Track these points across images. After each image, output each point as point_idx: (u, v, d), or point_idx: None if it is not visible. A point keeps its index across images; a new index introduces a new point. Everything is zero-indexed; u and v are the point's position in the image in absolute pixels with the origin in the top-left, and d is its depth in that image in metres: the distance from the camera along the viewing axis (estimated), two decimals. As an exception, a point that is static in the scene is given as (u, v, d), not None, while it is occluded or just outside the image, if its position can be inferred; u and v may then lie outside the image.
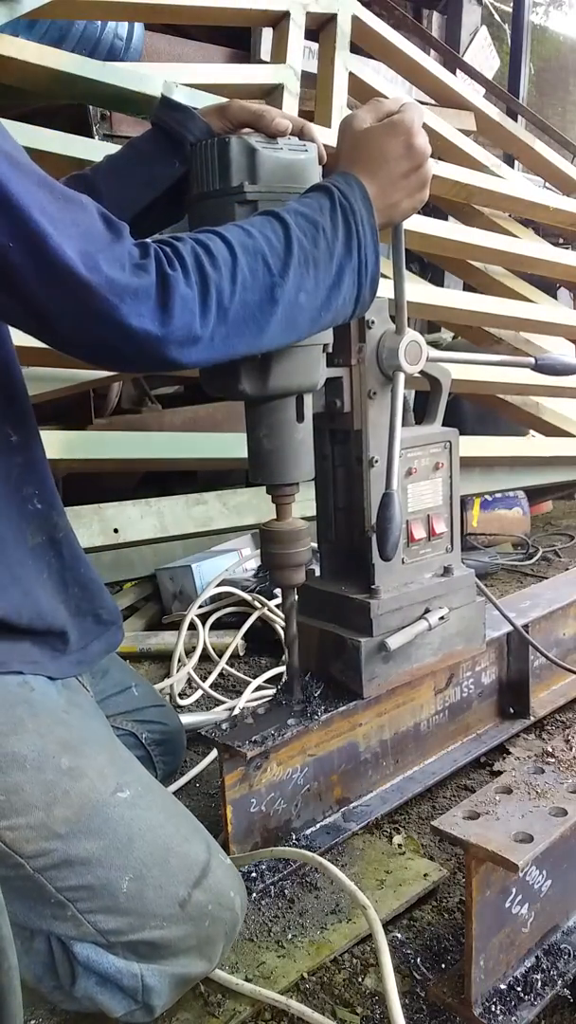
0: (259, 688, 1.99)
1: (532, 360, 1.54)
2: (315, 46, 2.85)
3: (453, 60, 4.25)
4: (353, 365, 1.35)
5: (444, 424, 1.53)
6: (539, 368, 1.54)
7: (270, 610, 2.31)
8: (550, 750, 1.23)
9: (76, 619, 1.22)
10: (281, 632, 2.18)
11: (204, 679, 2.11)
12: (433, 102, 3.48)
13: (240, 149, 1.14)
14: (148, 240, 0.95)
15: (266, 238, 1.01)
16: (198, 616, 2.30)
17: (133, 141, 1.23)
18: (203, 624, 2.29)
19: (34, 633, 1.13)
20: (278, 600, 2.25)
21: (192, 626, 2.26)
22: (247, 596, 2.36)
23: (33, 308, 0.91)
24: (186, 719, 1.68)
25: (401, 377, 1.34)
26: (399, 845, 1.46)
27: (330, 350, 1.27)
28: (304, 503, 1.38)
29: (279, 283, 1.00)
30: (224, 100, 1.22)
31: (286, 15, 2.65)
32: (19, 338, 1.90)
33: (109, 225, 0.93)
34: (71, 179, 1.23)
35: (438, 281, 4.09)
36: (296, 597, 1.37)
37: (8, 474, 1.12)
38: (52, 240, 0.86)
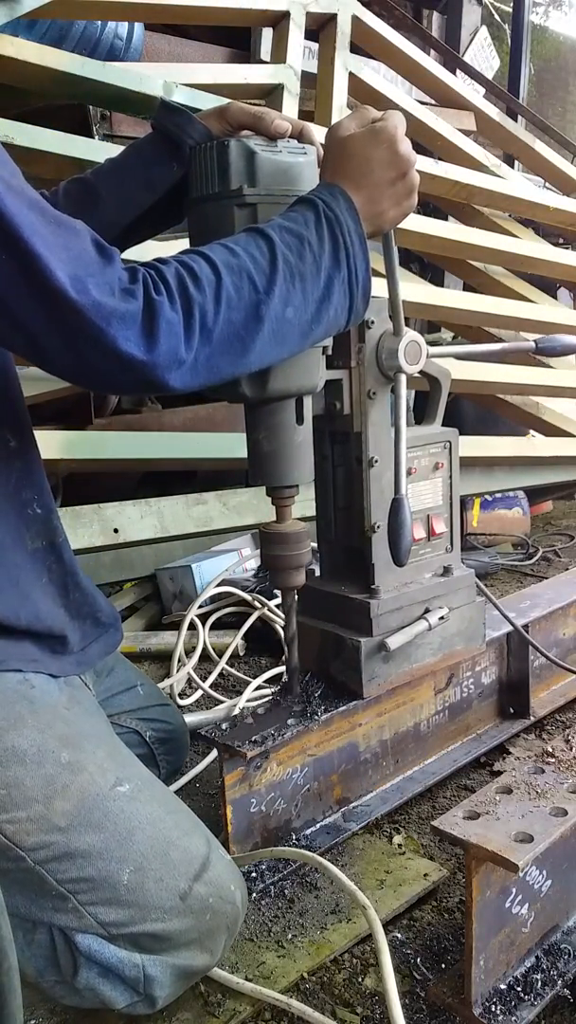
0: (259, 688, 1.99)
1: (532, 344, 1.54)
2: (315, 46, 2.85)
3: (453, 60, 4.25)
4: (353, 367, 1.35)
5: (444, 424, 1.53)
6: (540, 351, 1.54)
7: (270, 610, 2.31)
8: (550, 750, 1.23)
9: (76, 622, 1.22)
10: (281, 632, 2.18)
11: (204, 679, 2.11)
12: (433, 102, 3.48)
13: (239, 152, 1.14)
14: (136, 264, 0.95)
15: (251, 255, 1.00)
16: (198, 616, 2.30)
17: (133, 144, 1.24)
18: (203, 624, 2.29)
19: (33, 634, 1.14)
20: (278, 600, 2.25)
21: (192, 626, 2.26)
22: (247, 596, 2.36)
23: (23, 330, 0.92)
24: (187, 719, 1.68)
25: (403, 379, 1.34)
26: (399, 845, 1.46)
27: (329, 352, 1.27)
28: (304, 503, 1.38)
29: (264, 300, 0.99)
30: (223, 103, 1.21)
31: (286, 15, 2.65)
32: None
33: (100, 250, 0.93)
34: (73, 182, 1.24)
35: (438, 281, 4.09)
36: (296, 598, 1.37)
37: (7, 479, 1.13)
38: (43, 262, 0.87)
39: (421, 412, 1.54)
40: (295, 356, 1.17)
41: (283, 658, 1.65)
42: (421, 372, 1.40)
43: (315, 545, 1.54)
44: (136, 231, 1.26)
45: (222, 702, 2.00)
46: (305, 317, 1.04)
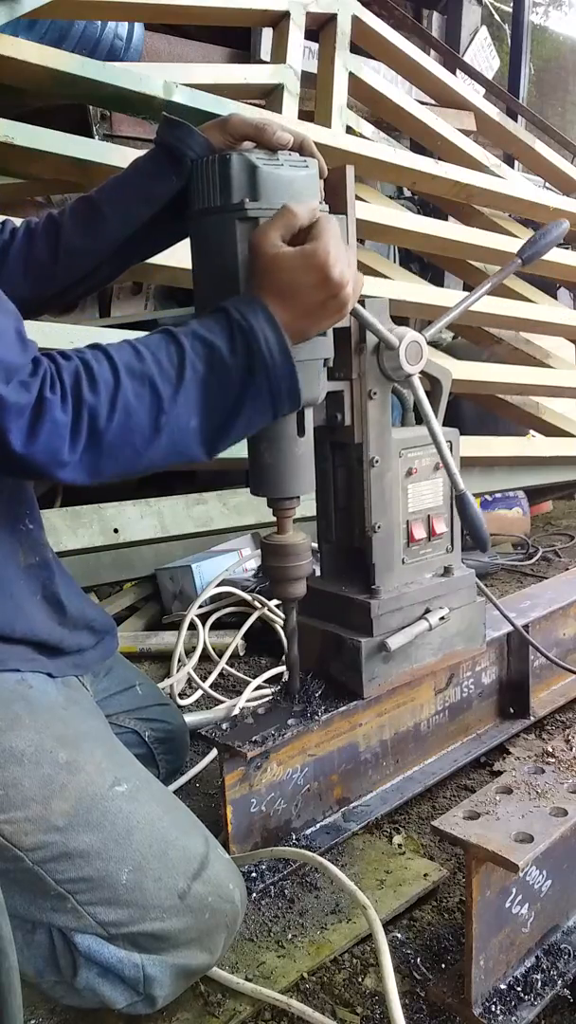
0: (259, 688, 2.00)
1: (518, 261, 1.49)
2: (315, 46, 2.85)
3: (453, 60, 4.25)
4: (354, 379, 1.35)
5: (444, 424, 1.53)
6: (527, 260, 1.48)
7: (270, 610, 2.31)
8: (550, 750, 1.23)
9: (72, 633, 1.23)
10: (281, 632, 2.19)
11: (204, 679, 2.11)
12: (433, 102, 3.48)
13: (241, 166, 1.13)
14: (42, 357, 0.95)
15: (157, 362, 0.99)
16: (198, 616, 2.30)
17: (135, 159, 1.23)
18: (203, 624, 2.29)
19: (29, 642, 1.15)
20: (278, 600, 2.25)
21: (192, 626, 2.26)
22: (247, 596, 2.36)
23: None
24: (186, 718, 1.68)
25: (416, 380, 1.35)
26: (399, 845, 1.46)
27: (331, 364, 1.27)
28: (305, 502, 1.38)
29: (165, 410, 0.97)
30: (225, 111, 1.21)
31: (286, 15, 2.65)
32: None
33: (19, 337, 0.93)
34: (79, 200, 1.24)
35: (438, 281, 4.09)
36: (296, 611, 1.37)
37: None
38: None
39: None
40: (297, 368, 1.16)
41: (283, 658, 1.65)
42: (422, 372, 1.40)
43: (315, 545, 1.54)
44: (139, 246, 1.27)
45: (222, 702, 2.00)
46: (212, 426, 1.02)
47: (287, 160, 1.16)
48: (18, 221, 1.25)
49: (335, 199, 1.29)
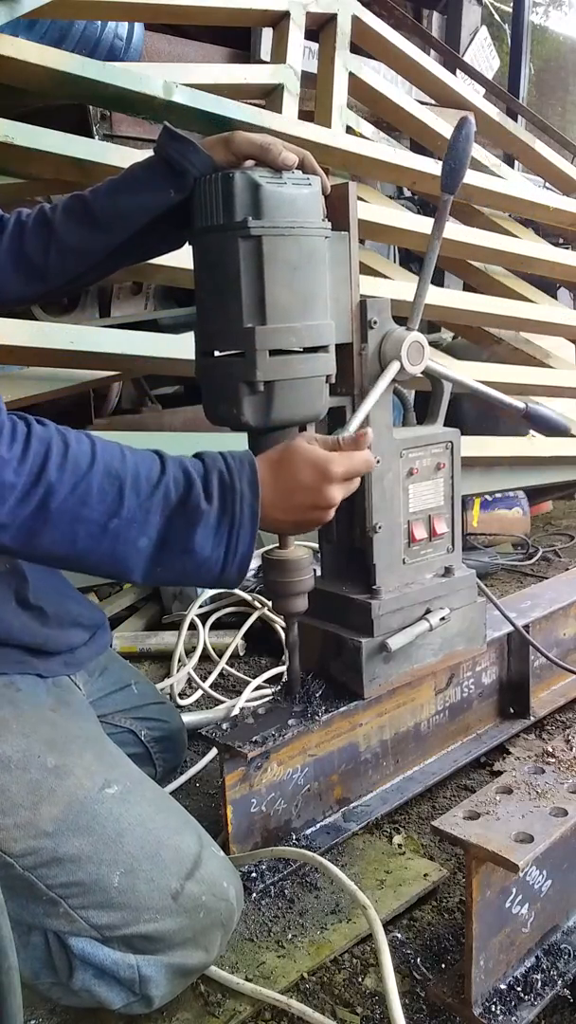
0: (259, 688, 1.99)
1: (446, 197, 1.44)
2: (315, 46, 2.85)
3: (453, 60, 4.25)
4: (356, 395, 1.35)
5: (445, 424, 1.53)
6: (451, 190, 1.43)
7: (270, 610, 2.31)
8: (550, 750, 1.23)
9: (59, 631, 1.22)
10: (281, 632, 2.18)
11: (204, 679, 2.11)
12: (433, 102, 3.48)
13: (244, 184, 1.13)
14: (16, 416, 0.93)
15: (135, 472, 0.97)
16: (198, 616, 2.30)
17: (131, 166, 1.23)
18: (203, 624, 2.29)
19: (14, 646, 1.15)
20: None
21: (192, 626, 2.26)
22: (247, 596, 2.36)
23: None
24: (186, 718, 1.68)
25: (436, 367, 1.38)
26: (399, 845, 1.46)
27: (333, 380, 1.27)
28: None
29: (122, 516, 0.96)
30: (228, 132, 1.20)
31: (286, 15, 2.65)
32: (16, 338, 1.90)
33: None
34: (73, 198, 1.24)
35: (438, 281, 4.09)
36: (297, 629, 1.37)
37: None
38: None
39: (422, 412, 1.54)
40: (298, 385, 1.17)
41: (283, 659, 1.65)
42: (424, 372, 1.40)
43: (315, 545, 1.54)
44: (135, 249, 1.27)
45: (222, 702, 2.00)
46: (158, 556, 1.00)
47: (290, 178, 1.16)
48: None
49: (337, 216, 1.30)
